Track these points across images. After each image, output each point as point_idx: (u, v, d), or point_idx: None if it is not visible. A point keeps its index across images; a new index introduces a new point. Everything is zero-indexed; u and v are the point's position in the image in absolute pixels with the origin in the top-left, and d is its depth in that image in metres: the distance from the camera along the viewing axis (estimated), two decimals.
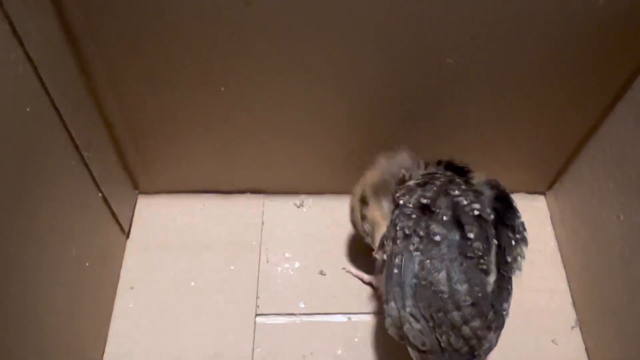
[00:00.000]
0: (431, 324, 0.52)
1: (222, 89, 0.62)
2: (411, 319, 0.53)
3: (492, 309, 0.52)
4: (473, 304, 0.51)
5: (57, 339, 0.56)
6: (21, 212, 0.48)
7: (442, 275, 0.51)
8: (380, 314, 0.70)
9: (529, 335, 0.70)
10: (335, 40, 0.57)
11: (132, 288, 0.71)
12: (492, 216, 0.54)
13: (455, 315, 0.51)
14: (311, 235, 0.77)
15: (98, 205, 0.65)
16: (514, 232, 0.55)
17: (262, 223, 0.77)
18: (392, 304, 0.54)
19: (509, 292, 0.55)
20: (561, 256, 0.76)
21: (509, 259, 0.54)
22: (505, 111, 0.67)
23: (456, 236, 0.52)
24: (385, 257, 0.57)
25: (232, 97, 0.63)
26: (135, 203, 0.78)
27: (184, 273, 0.73)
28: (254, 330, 0.69)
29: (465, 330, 0.51)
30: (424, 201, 0.54)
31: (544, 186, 0.80)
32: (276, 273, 0.74)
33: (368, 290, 0.72)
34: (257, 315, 0.70)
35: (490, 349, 0.54)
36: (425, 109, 0.67)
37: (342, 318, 0.70)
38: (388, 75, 0.62)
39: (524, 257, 0.56)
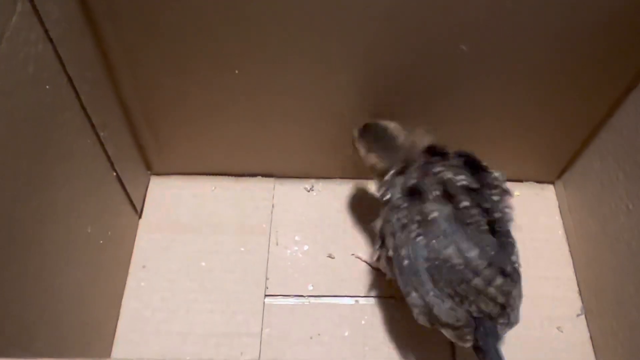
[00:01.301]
0: (457, 299, 0.53)
1: (236, 71, 0.62)
2: (438, 301, 0.54)
3: (509, 262, 0.54)
4: (490, 264, 0.52)
5: (72, 315, 0.57)
6: (40, 189, 0.49)
7: (451, 249, 0.52)
8: (386, 297, 0.71)
9: (534, 322, 0.70)
10: (348, 25, 0.57)
11: (143, 267, 0.72)
12: (475, 184, 0.55)
13: (477, 281, 0.52)
14: (320, 219, 0.77)
15: (112, 184, 0.66)
16: (490, 189, 0.56)
17: (273, 206, 0.78)
18: (414, 294, 0.55)
19: (512, 245, 0.56)
20: (568, 245, 0.76)
21: (497, 215, 0.55)
22: (517, 100, 0.67)
23: (450, 209, 0.53)
24: (390, 253, 0.57)
25: (246, 80, 0.64)
26: (148, 184, 0.79)
27: (195, 253, 0.74)
28: (263, 310, 0.70)
29: (491, 291, 0.52)
30: (412, 182, 0.55)
31: (553, 176, 0.81)
32: (285, 255, 0.75)
33: (376, 274, 0.73)
34: (266, 296, 0.71)
35: (518, 301, 0.55)
36: (436, 96, 0.67)
37: (349, 301, 0.72)
38: (400, 63, 0.62)
39: (511, 207, 0.57)
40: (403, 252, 0.55)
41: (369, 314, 0.71)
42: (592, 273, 0.71)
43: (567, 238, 0.77)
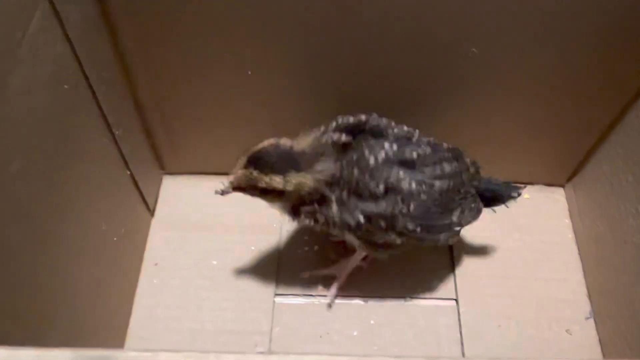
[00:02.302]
0: (464, 200, 0.62)
1: (249, 72, 0.63)
2: (462, 220, 0.62)
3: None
4: (457, 159, 0.61)
5: (87, 309, 0.58)
6: (57, 186, 0.51)
7: (437, 183, 0.58)
8: (396, 297, 0.72)
9: (543, 324, 0.70)
10: (363, 28, 0.58)
11: (156, 264, 0.73)
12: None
13: (465, 175, 0.62)
14: None
15: (126, 183, 0.68)
16: (392, 128, 0.60)
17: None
18: (442, 237, 0.62)
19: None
20: (578, 248, 0.76)
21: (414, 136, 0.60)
22: (528, 103, 0.68)
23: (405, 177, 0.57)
24: (398, 242, 0.59)
25: (258, 82, 0.65)
26: (161, 183, 0.80)
27: (206, 252, 0.75)
28: (273, 309, 0.71)
29: (472, 170, 0.64)
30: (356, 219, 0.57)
31: (563, 179, 0.81)
32: (295, 255, 0.75)
33: (385, 274, 0.73)
34: (276, 295, 0.72)
35: None
36: (448, 98, 0.68)
37: (359, 301, 0.72)
38: (413, 65, 0.63)
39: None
40: (410, 226, 0.57)
41: (378, 314, 0.71)
42: (601, 276, 0.71)
43: (577, 241, 0.77)
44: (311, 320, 0.70)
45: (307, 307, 0.71)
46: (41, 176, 0.48)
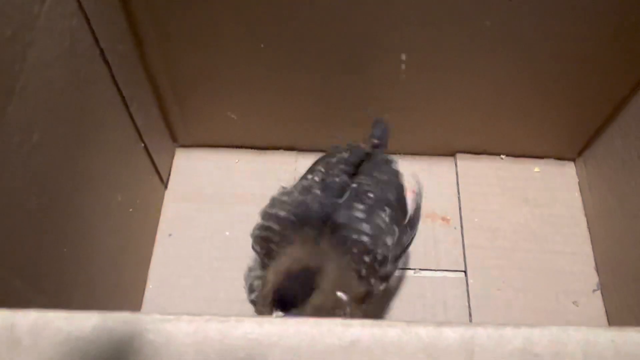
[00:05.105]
0: None
1: (262, 45, 0.63)
2: None
3: None
4: None
5: (104, 279, 0.60)
6: (75, 157, 0.52)
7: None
8: (405, 269, 0.73)
9: (550, 295, 0.72)
10: (376, 3, 0.58)
11: (170, 235, 0.75)
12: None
13: None
14: None
15: (141, 155, 0.69)
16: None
17: (294, 179, 0.79)
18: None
19: None
20: (587, 221, 0.77)
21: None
22: (540, 77, 0.68)
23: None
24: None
25: (271, 55, 0.65)
26: (174, 155, 0.81)
27: (219, 223, 0.76)
28: None
29: None
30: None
31: (574, 153, 0.81)
32: None
33: None
34: None
35: None
36: (460, 71, 0.67)
37: None
38: (425, 39, 0.63)
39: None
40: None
41: (387, 285, 0.72)
42: (608, 249, 0.72)
43: (586, 214, 0.78)
44: None
45: None
46: (58, 148, 0.49)
